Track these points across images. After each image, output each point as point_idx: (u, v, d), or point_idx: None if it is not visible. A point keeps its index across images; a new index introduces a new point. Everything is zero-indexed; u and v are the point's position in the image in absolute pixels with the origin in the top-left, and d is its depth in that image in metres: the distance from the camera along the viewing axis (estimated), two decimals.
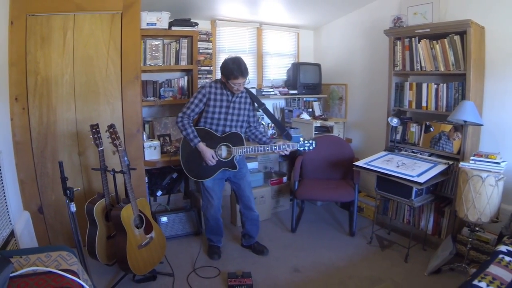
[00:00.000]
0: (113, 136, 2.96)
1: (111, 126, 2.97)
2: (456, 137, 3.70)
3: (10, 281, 1.89)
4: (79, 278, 2.04)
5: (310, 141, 3.49)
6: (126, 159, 3.02)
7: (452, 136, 3.75)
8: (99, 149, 3.04)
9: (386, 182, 3.66)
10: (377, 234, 4.21)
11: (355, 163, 3.91)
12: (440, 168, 3.56)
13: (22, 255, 2.17)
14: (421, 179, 3.30)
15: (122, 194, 3.36)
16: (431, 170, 3.51)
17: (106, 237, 3.17)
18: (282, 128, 3.98)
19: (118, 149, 2.96)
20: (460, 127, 3.66)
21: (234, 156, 3.43)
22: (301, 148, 3.48)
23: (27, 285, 1.90)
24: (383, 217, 4.44)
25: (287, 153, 3.50)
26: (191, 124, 3.35)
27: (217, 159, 3.38)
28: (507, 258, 2.49)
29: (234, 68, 3.19)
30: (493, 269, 2.36)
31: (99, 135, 3.02)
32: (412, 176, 3.37)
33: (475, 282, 2.22)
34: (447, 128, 3.80)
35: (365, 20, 5.03)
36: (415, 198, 3.53)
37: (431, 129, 3.95)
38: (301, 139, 3.51)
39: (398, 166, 3.67)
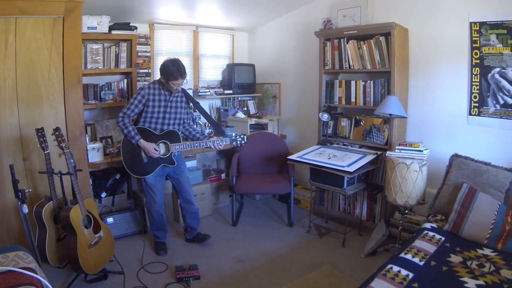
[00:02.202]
0: (59, 138, 2.99)
1: (57, 129, 3.00)
2: (386, 128, 3.99)
3: None
4: (37, 275, 2.12)
5: (242, 136, 3.72)
6: (72, 161, 3.04)
7: (382, 128, 4.05)
8: (45, 152, 3.03)
9: (319, 173, 3.89)
10: (315, 223, 4.45)
11: (288, 157, 4.12)
12: (369, 158, 3.83)
13: None
14: (351, 169, 3.54)
15: (68, 196, 3.36)
16: (360, 160, 3.77)
17: (56, 240, 3.17)
18: (216, 125, 4.19)
19: (64, 151, 2.99)
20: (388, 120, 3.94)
21: (172, 152, 3.58)
22: (234, 143, 3.69)
23: None
24: (320, 207, 4.67)
25: (221, 147, 3.71)
26: (132, 123, 3.46)
27: (159, 150, 3.52)
28: (430, 233, 2.82)
29: (173, 70, 3.36)
30: (418, 243, 2.67)
31: (44, 138, 3.02)
32: (343, 166, 3.61)
33: (402, 254, 2.50)
34: (378, 121, 4.08)
35: (297, 22, 5.24)
36: (347, 187, 3.77)
37: (361, 123, 4.24)
38: (233, 134, 3.73)
39: (329, 158, 3.90)
